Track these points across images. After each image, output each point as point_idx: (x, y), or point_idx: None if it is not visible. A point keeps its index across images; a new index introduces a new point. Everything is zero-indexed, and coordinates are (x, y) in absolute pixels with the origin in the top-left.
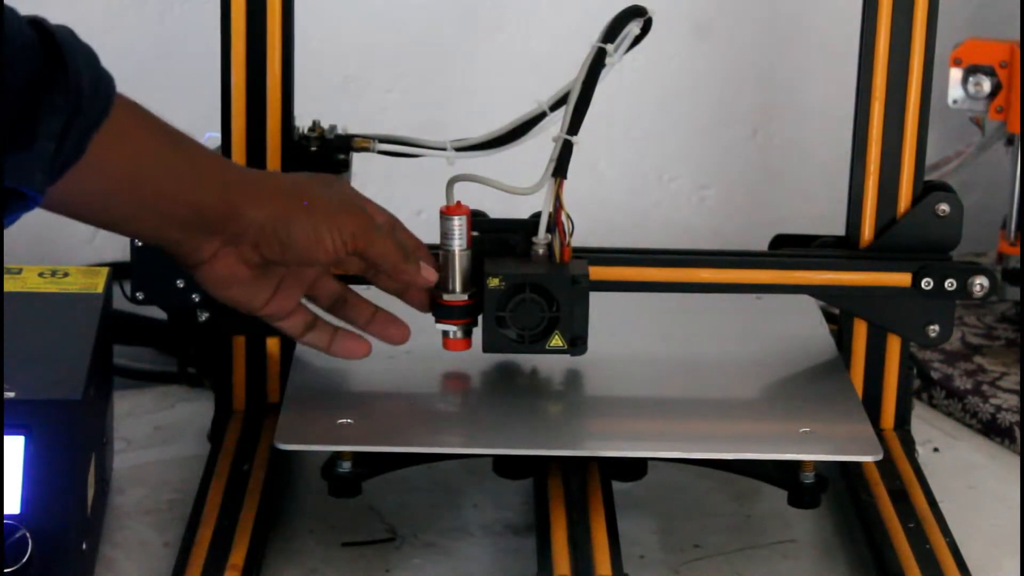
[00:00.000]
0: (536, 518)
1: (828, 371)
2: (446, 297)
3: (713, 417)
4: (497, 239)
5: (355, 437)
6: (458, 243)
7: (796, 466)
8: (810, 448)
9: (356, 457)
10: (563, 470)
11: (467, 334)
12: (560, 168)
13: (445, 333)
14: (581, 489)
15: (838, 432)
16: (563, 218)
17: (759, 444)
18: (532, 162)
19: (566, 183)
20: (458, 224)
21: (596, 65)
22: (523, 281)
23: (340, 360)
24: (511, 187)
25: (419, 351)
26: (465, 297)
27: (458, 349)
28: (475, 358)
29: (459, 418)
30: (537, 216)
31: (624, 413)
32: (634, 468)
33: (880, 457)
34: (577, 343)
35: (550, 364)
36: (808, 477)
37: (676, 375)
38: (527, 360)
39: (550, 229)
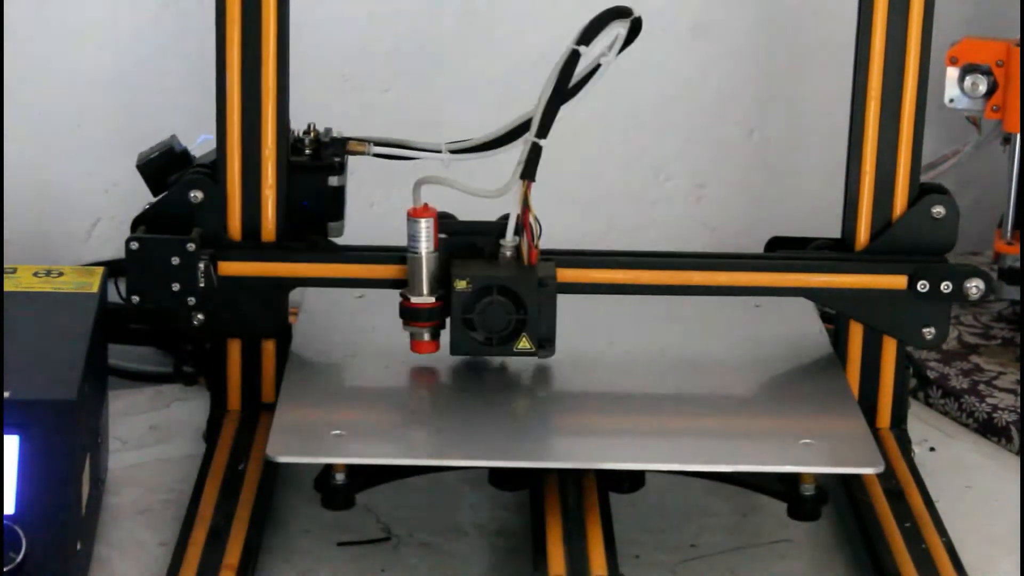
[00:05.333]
0: (532, 530)
1: (827, 378)
2: (413, 300)
3: (712, 427)
4: (464, 242)
5: (349, 449)
6: (425, 245)
7: (796, 478)
8: (810, 460)
9: (350, 469)
10: (560, 481)
11: (435, 336)
12: (528, 171)
13: (412, 335)
14: (578, 501)
15: (838, 443)
16: (531, 220)
17: (759, 456)
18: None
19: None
20: (425, 226)
21: (568, 67)
22: (490, 283)
23: (334, 368)
24: (478, 190)
25: (414, 359)
26: (432, 300)
27: (425, 351)
28: (469, 366)
29: (454, 428)
30: (505, 218)
31: (622, 424)
32: (632, 480)
33: (881, 469)
34: (545, 345)
35: (546, 373)
36: (808, 489)
37: (673, 382)
38: (524, 369)
39: (518, 231)
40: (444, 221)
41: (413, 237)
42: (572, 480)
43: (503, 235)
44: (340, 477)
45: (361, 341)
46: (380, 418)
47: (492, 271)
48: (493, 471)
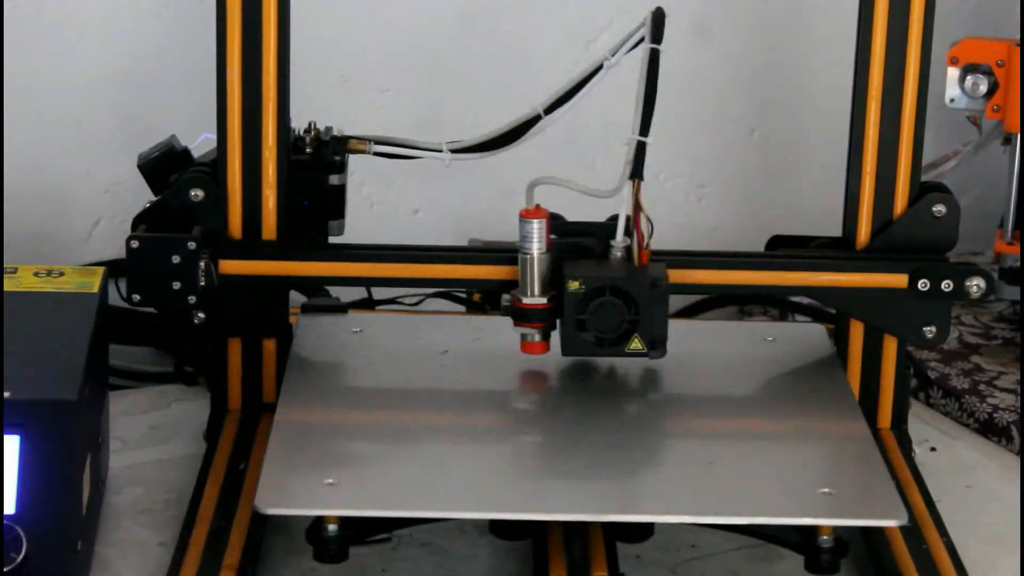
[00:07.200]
0: (532, 530)
1: (843, 415)
2: (525, 300)
3: (724, 473)
4: (574, 242)
5: (342, 500)
6: (537, 246)
7: (814, 529)
8: (830, 511)
9: (343, 519)
10: (564, 532)
11: (545, 337)
12: (636, 170)
13: (523, 336)
14: (583, 552)
15: (859, 491)
16: (642, 220)
17: (776, 507)
18: (529, 164)
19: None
20: (537, 227)
21: (652, 67)
22: (603, 284)
23: (327, 408)
24: (591, 190)
25: (410, 397)
26: (544, 300)
27: (535, 352)
28: (469, 407)
29: (453, 476)
30: (614, 219)
31: (629, 470)
32: (641, 530)
33: (905, 521)
34: (656, 345)
35: (546, 411)
36: (827, 541)
37: (681, 419)
38: (521, 408)
39: (628, 232)
40: (553, 223)
41: (525, 238)
42: (577, 531)
43: (613, 235)
44: (332, 528)
45: (356, 378)
46: (374, 464)
47: (604, 271)
48: (494, 521)
